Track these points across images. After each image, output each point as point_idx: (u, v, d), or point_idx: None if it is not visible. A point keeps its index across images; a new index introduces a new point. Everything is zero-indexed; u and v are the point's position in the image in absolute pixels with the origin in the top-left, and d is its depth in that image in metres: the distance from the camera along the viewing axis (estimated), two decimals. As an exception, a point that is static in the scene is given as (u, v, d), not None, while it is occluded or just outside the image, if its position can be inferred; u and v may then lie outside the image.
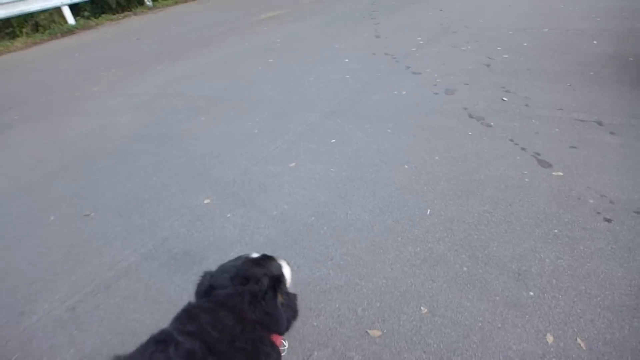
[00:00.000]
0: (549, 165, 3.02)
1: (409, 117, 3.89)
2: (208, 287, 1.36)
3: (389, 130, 3.68)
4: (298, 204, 2.85)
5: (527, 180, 2.87)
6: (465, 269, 2.21)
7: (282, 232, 2.61)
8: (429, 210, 2.66)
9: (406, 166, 3.15)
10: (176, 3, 12.55)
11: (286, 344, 1.79)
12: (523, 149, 3.25)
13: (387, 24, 7.29)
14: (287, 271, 1.59)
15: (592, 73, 4.50)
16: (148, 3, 12.21)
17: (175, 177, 3.36)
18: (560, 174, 2.92)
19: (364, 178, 3.05)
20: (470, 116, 3.81)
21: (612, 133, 3.37)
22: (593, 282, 2.07)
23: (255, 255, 1.52)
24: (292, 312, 1.51)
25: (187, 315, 1.28)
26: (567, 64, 4.78)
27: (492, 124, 3.64)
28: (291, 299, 1.55)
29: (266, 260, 1.51)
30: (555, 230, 2.41)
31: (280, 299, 1.38)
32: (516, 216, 2.55)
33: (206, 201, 2.99)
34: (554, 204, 2.62)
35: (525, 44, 5.56)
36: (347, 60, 5.60)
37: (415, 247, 2.38)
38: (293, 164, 3.31)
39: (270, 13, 9.40)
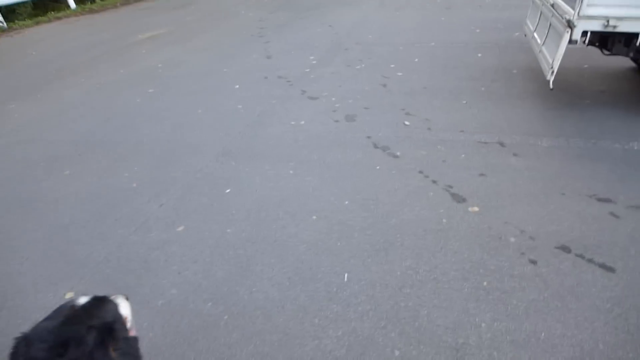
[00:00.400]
0: (464, 200, 2.83)
1: (311, 152, 3.53)
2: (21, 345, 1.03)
3: (291, 172, 3.28)
4: (190, 286, 2.31)
5: (444, 221, 2.63)
6: (397, 352, 1.86)
7: (172, 331, 2.06)
8: (346, 275, 2.29)
9: (314, 217, 2.76)
10: (38, 23, 11.01)
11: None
12: (434, 181, 3.04)
13: (277, 43, 6.93)
14: (125, 309, 1.29)
15: (483, 88, 4.53)
16: (1, 24, 10.51)
17: (27, 262, 2.62)
18: (476, 209, 2.74)
19: (267, 239, 2.60)
20: (375, 146, 3.55)
21: (515, 155, 3.31)
22: (535, 347, 1.84)
23: (82, 300, 1.17)
24: (133, 358, 1.20)
25: None
26: (459, 80, 4.79)
27: (398, 153, 3.42)
28: (131, 344, 1.23)
29: (96, 304, 1.19)
30: (485, 283, 2.18)
31: (112, 353, 1.08)
32: (441, 269, 2.28)
33: (68, 295, 2.32)
34: (477, 248, 2.40)
35: (416, 60, 5.54)
36: (237, 86, 5.11)
37: (337, 330, 1.99)
38: (181, 228, 2.76)
39: (149, 33, 8.55)
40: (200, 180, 3.26)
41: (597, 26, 3.28)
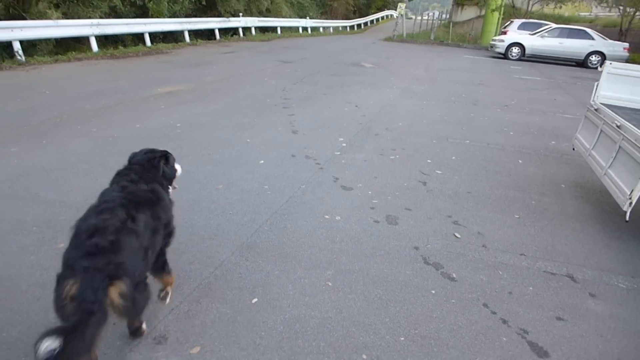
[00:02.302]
0: (546, 355, 2.30)
1: (351, 259, 3.02)
2: (131, 158, 2.37)
3: (330, 283, 2.74)
4: None
5: (531, 386, 2.08)
6: None
7: None
8: None
9: (364, 356, 2.19)
10: (56, 61, 10.82)
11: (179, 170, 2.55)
12: (504, 321, 2.52)
13: (303, 117, 6.65)
14: (179, 167, 2.55)
15: (533, 202, 4.15)
16: (19, 57, 10.31)
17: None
18: (565, 371, 2.20)
19: (307, 384, 2.02)
20: (426, 261, 3.05)
21: (592, 296, 2.83)
22: None
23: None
24: (172, 171, 2.46)
25: (119, 173, 2.25)
26: (504, 188, 4.42)
27: (454, 275, 2.92)
28: (170, 165, 2.44)
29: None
30: None
31: (164, 166, 2.37)
32: None
33: None
34: None
35: (453, 157, 5.22)
36: (262, 161, 4.69)
37: None
38: (196, 350, 2.17)
39: (168, 87, 8.31)
40: (220, 280, 2.71)
41: (686, 161, 2.95)
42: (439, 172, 4.74)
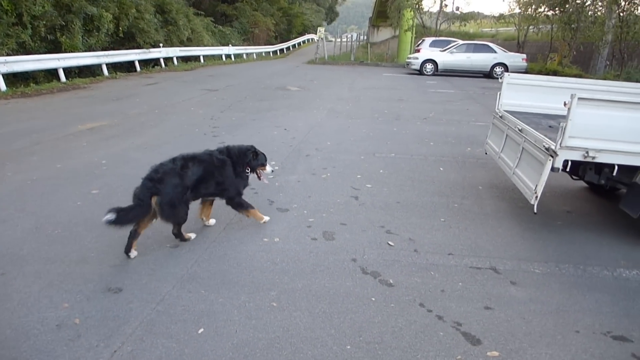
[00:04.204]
0: (479, 342, 2.51)
1: (293, 278, 3.10)
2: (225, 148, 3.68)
3: (274, 304, 2.80)
4: None
5: (468, 373, 2.27)
6: None
7: None
8: None
9: (314, 368, 2.27)
10: (-43, 105, 10.00)
11: (270, 169, 3.89)
12: (440, 317, 2.72)
13: (234, 144, 6.67)
14: (270, 168, 3.91)
15: (456, 205, 4.49)
16: None
17: None
18: (496, 353, 2.43)
19: (261, 404, 2.06)
20: (364, 271, 3.21)
21: (513, 283, 3.13)
22: None
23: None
24: (263, 157, 3.82)
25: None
26: (430, 195, 4.74)
27: (391, 281, 3.09)
28: (258, 159, 3.77)
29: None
30: None
31: (252, 156, 3.67)
32: None
33: None
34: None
35: (381, 171, 5.50)
36: (196, 191, 4.66)
37: None
38: (144, 388, 2.13)
39: (89, 123, 7.97)
40: (163, 315, 2.67)
41: (577, 156, 3.38)
42: (369, 185, 4.98)
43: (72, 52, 13.85)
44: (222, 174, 3.52)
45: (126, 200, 3.27)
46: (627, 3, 17.37)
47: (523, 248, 3.67)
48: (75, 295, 2.84)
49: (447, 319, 2.71)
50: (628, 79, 14.56)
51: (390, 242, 3.66)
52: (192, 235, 3.59)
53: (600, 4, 19.60)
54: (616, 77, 15.36)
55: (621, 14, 17.41)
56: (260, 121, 8.48)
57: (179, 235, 3.50)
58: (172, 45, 20.21)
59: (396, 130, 7.95)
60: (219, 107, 9.93)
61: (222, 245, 3.54)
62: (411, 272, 3.22)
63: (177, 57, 20.19)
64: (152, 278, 3.07)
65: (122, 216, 2.98)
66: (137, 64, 17.11)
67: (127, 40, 17.53)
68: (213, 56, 24.44)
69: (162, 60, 18.85)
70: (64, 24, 13.66)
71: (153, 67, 18.32)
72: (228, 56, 25.97)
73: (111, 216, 2.92)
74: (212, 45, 24.92)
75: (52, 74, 13.28)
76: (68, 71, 13.58)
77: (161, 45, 18.83)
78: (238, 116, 8.91)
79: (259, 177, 3.88)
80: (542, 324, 2.70)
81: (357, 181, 5.10)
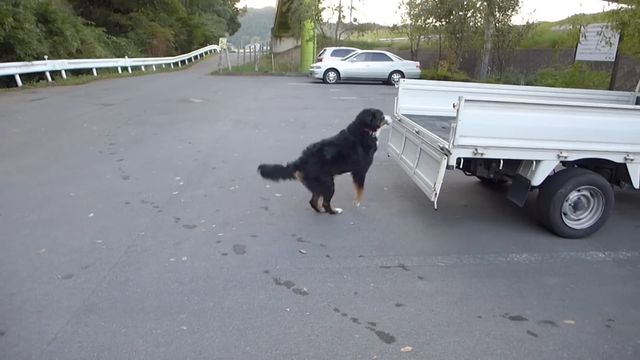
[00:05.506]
0: (393, 339, 2.57)
1: (203, 298, 2.94)
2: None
3: (184, 327, 2.63)
4: None
5: (383, 372, 2.31)
6: None
7: None
8: None
9: (229, 391, 2.16)
10: None
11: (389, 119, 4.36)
12: (354, 320, 2.75)
13: (134, 161, 6.27)
14: (388, 117, 4.40)
15: (364, 207, 4.62)
16: None
17: None
18: (409, 348, 2.50)
19: None
20: (278, 282, 3.15)
21: (421, 278, 3.27)
22: None
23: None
24: (376, 122, 4.28)
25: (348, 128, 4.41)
26: (338, 199, 4.81)
27: (305, 289, 3.07)
28: (377, 118, 4.28)
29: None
30: None
31: (376, 119, 4.29)
32: None
33: None
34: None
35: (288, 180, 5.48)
36: (92, 214, 4.28)
37: None
38: None
39: (-41, 148, 7.00)
40: (56, 356, 2.38)
41: (468, 153, 3.64)
42: (278, 195, 4.94)
43: None
44: (355, 154, 4.26)
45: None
46: (501, 14, 19.40)
47: (428, 243, 3.86)
48: (-59, 348, 2.42)
49: (361, 321, 2.74)
50: (507, 82, 16.27)
51: (302, 250, 3.64)
52: (339, 210, 4.44)
53: (479, 15, 21.69)
54: (497, 81, 17.03)
55: (497, 24, 19.41)
56: (162, 135, 8.07)
57: (327, 208, 4.39)
58: (59, 57, 18.51)
59: (303, 138, 8.01)
60: (116, 122, 9.28)
61: (123, 271, 3.26)
62: (324, 278, 3.22)
63: (66, 70, 18.54)
64: (42, 315, 2.72)
65: (265, 171, 4.25)
66: (17, 78, 15.42)
67: (4, 52, 15.74)
68: (108, 69, 22.84)
69: (48, 74, 17.18)
70: None
71: (38, 81, 16.63)
72: (125, 68, 24.45)
73: (259, 171, 4.23)
74: (106, 57, 23.31)
75: None
76: None
77: (46, 57, 17.17)
78: (137, 131, 8.39)
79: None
80: (449, 314, 2.85)
81: (266, 191, 5.03)
